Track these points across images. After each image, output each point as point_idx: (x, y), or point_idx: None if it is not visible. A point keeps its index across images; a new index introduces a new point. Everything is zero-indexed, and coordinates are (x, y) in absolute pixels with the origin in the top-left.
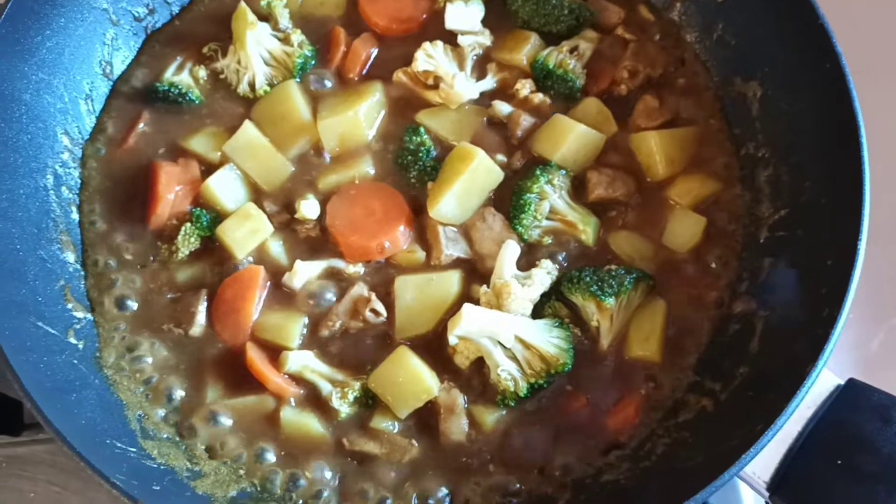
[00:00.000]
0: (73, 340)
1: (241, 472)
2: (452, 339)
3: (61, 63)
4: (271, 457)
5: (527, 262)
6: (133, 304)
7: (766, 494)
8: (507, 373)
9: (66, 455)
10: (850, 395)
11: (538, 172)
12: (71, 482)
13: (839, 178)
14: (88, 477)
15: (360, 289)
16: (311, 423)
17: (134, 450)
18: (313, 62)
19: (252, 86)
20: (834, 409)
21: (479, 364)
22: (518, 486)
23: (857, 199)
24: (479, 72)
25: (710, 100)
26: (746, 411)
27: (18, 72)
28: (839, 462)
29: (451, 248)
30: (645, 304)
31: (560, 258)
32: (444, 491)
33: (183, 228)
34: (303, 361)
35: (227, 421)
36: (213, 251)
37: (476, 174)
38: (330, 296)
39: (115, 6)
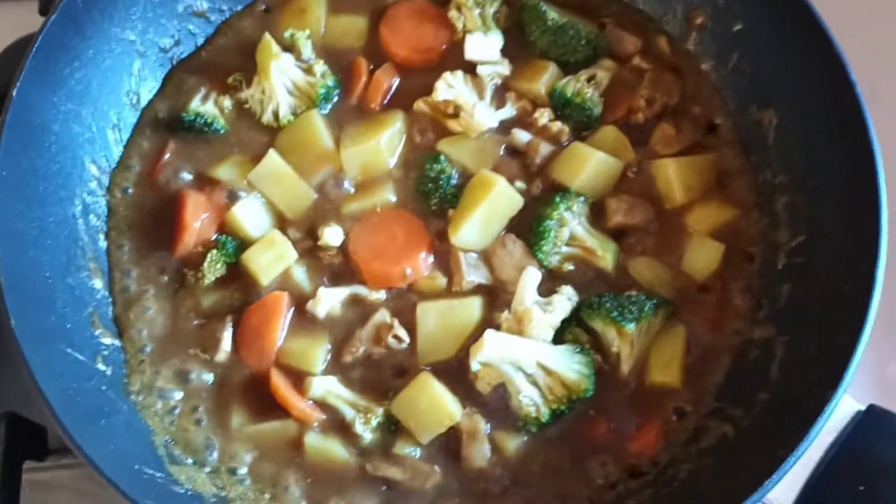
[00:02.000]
0: (101, 366)
1: (267, 496)
2: (475, 366)
3: (89, 94)
4: (296, 482)
5: (546, 288)
6: (159, 331)
7: None
8: (528, 399)
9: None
10: (871, 420)
11: (558, 199)
12: None
13: (856, 205)
14: (112, 501)
15: (383, 315)
16: (334, 449)
17: (161, 475)
18: (336, 92)
19: (276, 115)
20: (855, 435)
21: (501, 390)
22: None
23: (874, 225)
24: (499, 101)
25: (726, 128)
26: (768, 438)
27: (48, 103)
28: (861, 488)
29: (473, 274)
30: (665, 330)
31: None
32: None
33: (209, 255)
34: (326, 387)
35: (251, 446)
36: (238, 277)
37: (497, 201)
38: (353, 322)
39: (142, 38)
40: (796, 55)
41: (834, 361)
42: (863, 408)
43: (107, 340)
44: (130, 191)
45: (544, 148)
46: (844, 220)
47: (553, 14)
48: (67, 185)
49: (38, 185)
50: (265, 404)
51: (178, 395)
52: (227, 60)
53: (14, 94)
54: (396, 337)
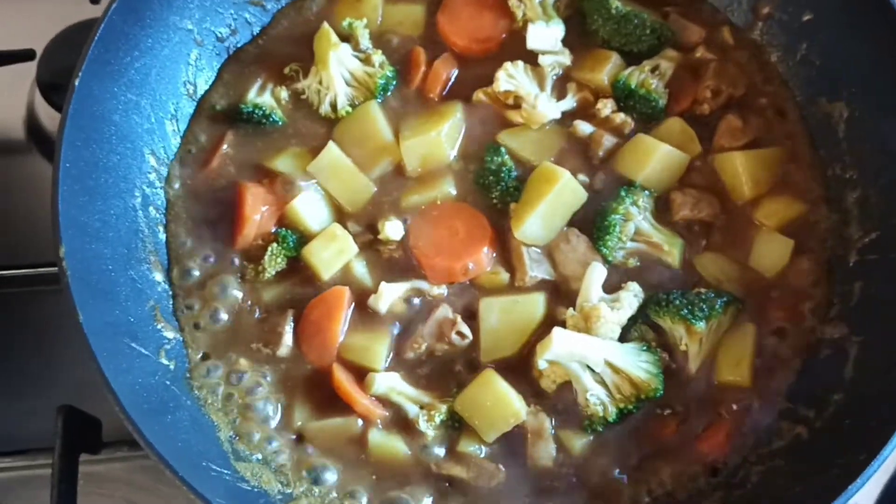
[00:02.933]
0: (164, 361)
1: (333, 494)
2: (542, 364)
3: (148, 83)
4: (361, 480)
5: (610, 284)
6: (221, 324)
7: None
8: (595, 397)
9: (145, 473)
10: None
11: (623, 193)
12: (147, 499)
13: None
14: (165, 494)
15: (445, 311)
16: (398, 446)
17: (228, 472)
18: (394, 83)
19: (334, 106)
20: None
21: (567, 388)
22: None
23: None
24: (560, 91)
25: (794, 120)
26: (846, 440)
27: (109, 93)
28: None
29: (536, 269)
30: (734, 328)
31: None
32: None
33: (269, 249)
34: (389, 383)
35: (315, 443)
36: (298, 271)
37: (561, 195)
38: (415, 318)
39: (199, 27)
40: (868, 45)
41: None
42: None
43: (169, 334)
44: (188, 182)
45: (607, 140)
46: None
47: (616, 2)
48: (128, 176)
49: (100, 176)
50: (328, 400)
51: (241, 390)
52: (284, 50)
53: (76, 83)
54: (459, 333)
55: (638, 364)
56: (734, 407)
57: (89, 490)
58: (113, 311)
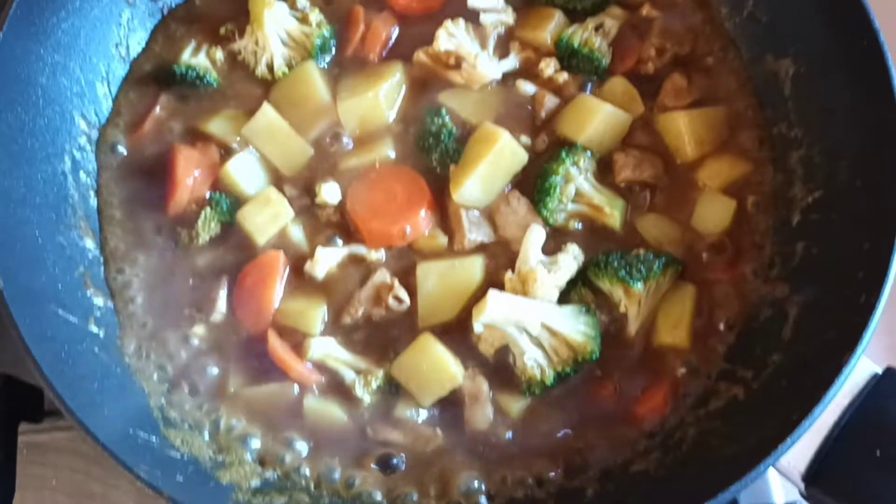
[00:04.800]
0: (93, 328)
1: (265, 460)
2: (478, 327)
3: (77, 45)
4: (295, 446)
5: (552, 246)
6: (153, 291)
7: (802, 485)
8: (533, 360)
9: (89, 443)
10: (888, 383)
11: (563, 155)
12: (92, 469)
13: (876, 159)
14: (110, 464)
15: (383, 275)
16: (334, 412)
17: (156, 439)
18: (332, 42)
19: (270, 67)
20: (871, 397)
21: (504, 351)
22: (545, 475)
23: (894, 181)
24: (502, 51)
25: (740, 79)
26: (780, 400)
27: (34, 54)
28: (878, 452)
29: (475, 232)
30: (673, 290)
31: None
32: (469, 480)
33: (203, 213)
34: (325, 349)
35: (249, 408)
36: (232, 236)
37: (501, 156)
38: (351, 282)
39: None
40: (817, 1)
41: (851, 322)
42: (880, 370)
43: (99, 301)
44: (120, 146)
45: (550, 100)
46: (863, 175)
47: None
48: (55, 140)
49: (25, 140)
50: (263, 366)
51: (172, 356)
52: (219, 10)
53: None
54: (397, 298)
55: (576, 327)
56: (672, 369)
57: (32, 459)
58: (39, 277)
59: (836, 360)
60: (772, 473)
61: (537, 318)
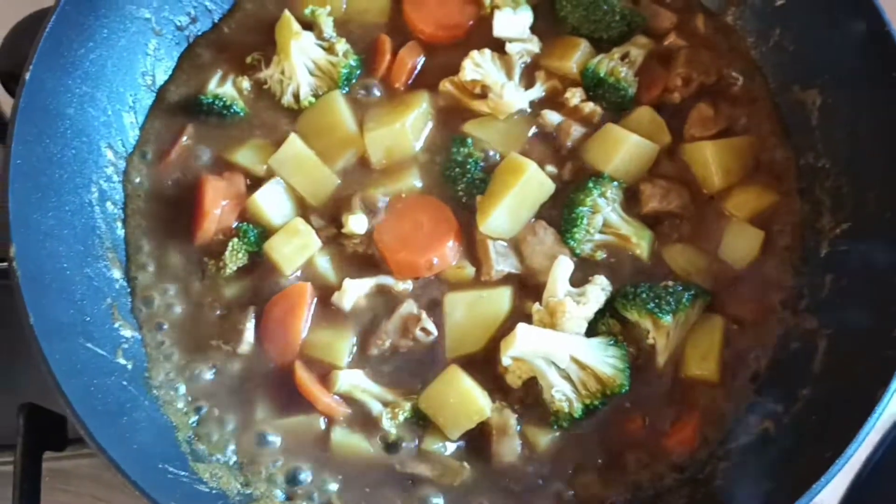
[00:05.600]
0: (121, 361)
1: (296, 494)
2: (506, 360)
3: (104, 75)
4: (323, 478)
5: (579, 277)
6: (181, 322)
7: None
8: (561, 393)
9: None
10: None
11: (591, 185)
12: (115, 497)
13: None
14: (132, 492)
15: (410, 306)
16: (361, 445)
17: (185, 473)
18: (358, 72)
19: (297, 97)
20: None
21: (532, 383)
22: None
23: None
24: (528, 80)
25: (766, 108)
26: (812, 436)
27: (62, 86)
28: None
29: (502, 263)
30: (702, 322)
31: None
32: None
33: (230, 244)
34: (353, 381)
35: (276, 442)
36: (260, 267)
37: (527, 187)
38: (379, 314)
39: (157, 16)
40: (843, 31)
41: (883, 356)
42: None
43: (127, 333)
44: (147, 176)
45: (576, 130)
46: (892, 205)
47: None
48: (83, 171)
49: (54, 172)
50: (290, 398)
51: (200, 388)
52: (246, 39)
53: (27, 77)
54: (424, 329)
55: (604, 359)
56: (702, 402)
57: (55, 487)
58: (68, 310)
59: (870, 396)
60: None
61: (566, 351)
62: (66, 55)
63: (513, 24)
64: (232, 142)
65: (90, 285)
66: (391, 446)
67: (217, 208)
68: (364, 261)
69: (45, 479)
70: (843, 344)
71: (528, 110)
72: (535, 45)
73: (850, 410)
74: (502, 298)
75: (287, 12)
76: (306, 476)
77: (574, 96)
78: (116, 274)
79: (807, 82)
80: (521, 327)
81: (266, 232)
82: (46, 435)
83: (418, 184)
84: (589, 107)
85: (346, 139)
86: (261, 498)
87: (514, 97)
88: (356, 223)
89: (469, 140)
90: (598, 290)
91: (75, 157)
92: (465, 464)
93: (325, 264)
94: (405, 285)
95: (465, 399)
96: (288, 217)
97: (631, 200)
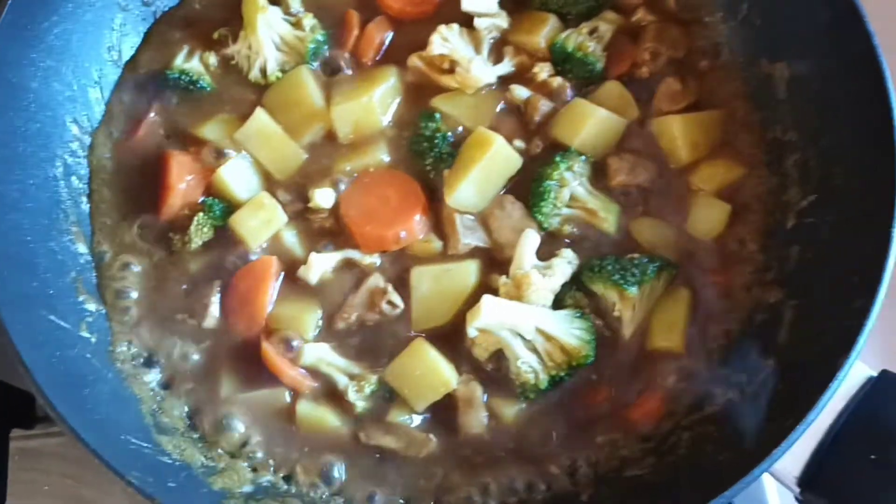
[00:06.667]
0: (85, 334)
1: (258, 466)
2: (472, 332)
3: (69, 49)
4: (289, 451)
5: (546, 250)
6: (146, 296)
7: (797, 490)
8: (527, 365)
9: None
10: (884, 386)
11: (558, 159)
12: (84, 474)
13: (871, 163)
14: (102, 470)
15: (376, 280)
16: (327, 418)
17: (149, 445)
18: (326, 47)
19: (263, 72)
20: (866, 401)
21: (499, 356)
22: (539, 479)
23: (889, 184)
24: (496, 55)
25: (735, 82)
26: (776, 405)
27: (26, 59)
28: (873, 456)
29: (469, 237)
30: (668, 294)
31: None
32: (462, 486)
33: (196, 218)
34: (318, 354)
35: (242, 415)
36: (225, 241)
37: (494, 161)
38: (345, 287)
39: None
40: (810, 4)
41: (846, 326)
42: (875, 374)
43: (91, 307)
44: (113, 151)
45: (544, 105)
46: (858, 178)
47: None
48: (48, 145)
49: (17, 145)
50: (256, 372)
51: (165, 361)
52: (213, 14)
53: None
54: (390, 302)
55: (570, 331)
56: (667, 373)
57: (24, 465)
58: (31, 282)
59: (831, 365)
60: (767, 478)
61: (532, 323)
62: (29, 28)
63: None
64: (198, 117)
65: (54, 259)
66: (357, 419)
67: (182, 183)
68: (331, 235)
69: (13, 457)
70: (808, 315)
71: (497, 85)
72: (503, 20)
73: (813, 379)
74: (469, 272)
75: None
76: (271, 447)
77: (542, 71)
78: (81, 248)
79: (774, 56)
80: (487, 298)
81: (232, 207)
82: (14, 412)
83: (386, 158)
84: (557, 81)
85: (313, 114)
86: (225, 469)
87: (483, 72)
88: (322, 197)
89: (437, 115)
90: (565, 263)
91: (40, 130)
92: (431, 435)
93: (291, 238)
94: (372, 259)
95: (430, 371)
96: (254, 192)
97: (598, 174)
